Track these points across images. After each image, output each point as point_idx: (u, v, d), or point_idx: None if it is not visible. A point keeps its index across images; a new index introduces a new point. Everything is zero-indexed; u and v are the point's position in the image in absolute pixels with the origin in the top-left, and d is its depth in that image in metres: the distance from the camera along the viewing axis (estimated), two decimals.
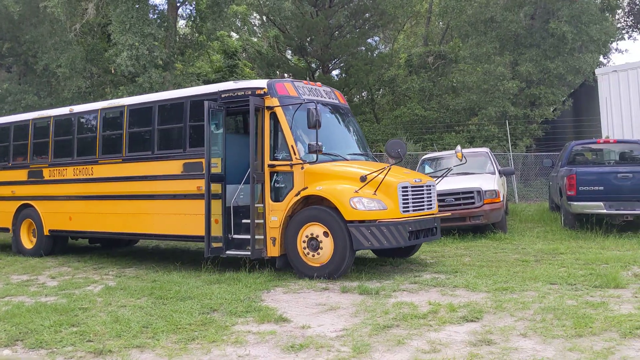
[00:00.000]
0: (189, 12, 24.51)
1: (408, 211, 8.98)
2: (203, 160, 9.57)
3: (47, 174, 12.22)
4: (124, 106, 11.34)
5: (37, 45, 23.86)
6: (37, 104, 22.47)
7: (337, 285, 8.30)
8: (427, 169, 14.99)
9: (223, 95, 9.79)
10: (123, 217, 10.95)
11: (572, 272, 8.52)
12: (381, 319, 6.44)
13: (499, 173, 14.43)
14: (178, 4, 23.28)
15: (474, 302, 7.03)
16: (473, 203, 12.62)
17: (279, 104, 9.35)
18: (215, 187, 9.56)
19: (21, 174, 12.72)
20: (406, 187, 9.04)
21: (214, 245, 9.55)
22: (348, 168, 9.28)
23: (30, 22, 23.69)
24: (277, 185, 9.27)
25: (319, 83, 10.96)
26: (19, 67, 25.69)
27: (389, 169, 8.88)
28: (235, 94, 9.71)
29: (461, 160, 11.09)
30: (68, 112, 12.27)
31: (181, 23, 26.47)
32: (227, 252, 9.55)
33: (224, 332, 6.13)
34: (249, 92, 9.53)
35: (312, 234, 8.81)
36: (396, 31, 33.12)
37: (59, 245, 12.63)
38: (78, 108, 12.30)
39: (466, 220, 12.66)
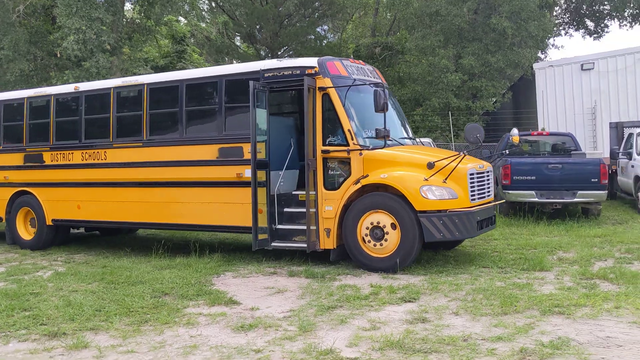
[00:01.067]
0: None
1: (475, 200, 8.40)
2: (243, 145, 8.85)
3: (48, 158, 10.99)
4: (143, 84, 10.16)
5: None
6: None
7: (285, 269, 8.44)
8: None
9: (266, 75, 8.86)
10: (146, 206, 9.94)
11: (503, 256, 8.87)
12: (326, 300, 6.65)
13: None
14: None
15: (412, 284, 7.29)
16: None
17: (332, 85, 8.51)
18: (260, 174, 8.73)
19: (15, 158, 11.41)
20: (473, 174, 8.45)
21: (261, 237, 8.76)
22: (412, 154, 8.61)
23: None
24: (332, 172, 8.49)
25: (362, 61, 10.13)
26: None
27: (464, 157, 8.22)
28: (281, 73, 8.81)
29: (517, 144, 10.63)
30: (73, 90, 10.99)
31: (128, 7, 25.94)
32: (273, 243, 8.80)
33: (175, 315, 6.22)
34: (299, 72, 8.65)
35: (377, 223, 8.12)
36: (345, 21, 33.28)
37: (60, 235, 11.43)
38: (85, 86, 11.10)
39: None
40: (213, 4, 33.07)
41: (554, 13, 28.10)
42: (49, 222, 10.97)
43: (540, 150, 15.69)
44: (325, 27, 32.98)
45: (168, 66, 27.90)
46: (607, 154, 17.20)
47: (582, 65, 20.45)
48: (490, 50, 23.99)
